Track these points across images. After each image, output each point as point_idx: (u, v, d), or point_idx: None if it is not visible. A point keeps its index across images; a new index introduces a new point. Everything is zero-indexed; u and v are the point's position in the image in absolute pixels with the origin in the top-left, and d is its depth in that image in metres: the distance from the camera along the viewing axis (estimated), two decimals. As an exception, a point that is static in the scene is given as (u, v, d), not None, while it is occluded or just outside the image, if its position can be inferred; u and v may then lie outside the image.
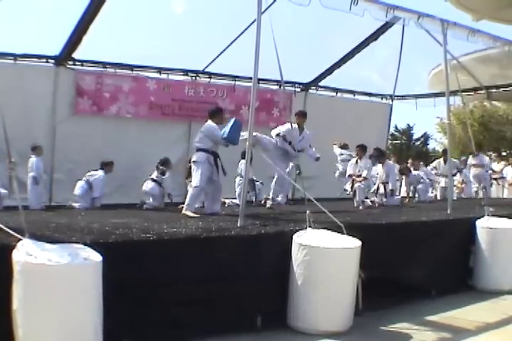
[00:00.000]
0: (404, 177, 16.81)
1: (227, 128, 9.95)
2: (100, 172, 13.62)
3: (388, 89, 20.38)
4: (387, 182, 14.25)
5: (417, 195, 16.91)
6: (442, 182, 17.67)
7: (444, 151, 19.38)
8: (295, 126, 11.52)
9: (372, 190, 14.75)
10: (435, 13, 10.94)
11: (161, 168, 13.99)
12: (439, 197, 17.96)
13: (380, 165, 14.49)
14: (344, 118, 18.59)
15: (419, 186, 16.64)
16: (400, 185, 18.45)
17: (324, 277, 6.81)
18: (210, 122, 10.25)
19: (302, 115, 12.08)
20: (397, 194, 15.34)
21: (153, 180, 13.95)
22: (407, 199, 15.81)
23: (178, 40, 14.25)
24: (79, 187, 13.62)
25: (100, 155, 14.02)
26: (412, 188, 17.01)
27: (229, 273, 6.72)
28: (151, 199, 13.79)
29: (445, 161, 17.52)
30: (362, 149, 13.77)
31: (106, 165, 13.76)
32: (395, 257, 8.34)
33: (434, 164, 18.38)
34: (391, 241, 8.42)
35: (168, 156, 14.47)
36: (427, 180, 16.75)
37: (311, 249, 6.83)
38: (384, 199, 14.26)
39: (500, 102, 35.80)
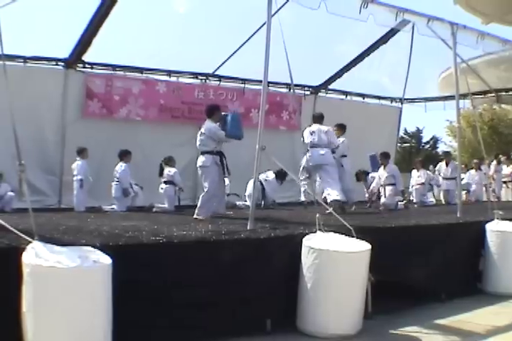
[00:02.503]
0: (414, 170, 16.97)
1: (227, 125, 10.02)
2: (122, 164, 13.74)
3: (398, 92, 20.39)
4: (388, 185, 14.31)
5: (412, 197, 16.98)
6: (444, 184, 17.58)
7: (446, 154, 19.38)
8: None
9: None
10: (443, 16, 10.98)
11: (165, 167, 14.00)
12: (443, 201, 17.87)
13: (381, 168, 14.53)
14: (354, 121, 18.41)
15: (417, 187, 16.66)
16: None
17: (334, 280, 6.80)
18: (209, 122, 10.29)
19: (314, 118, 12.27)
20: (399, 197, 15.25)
21: (165, 182, 13.98)
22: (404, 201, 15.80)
23: (188, 43, 14.28)
24: (114, 188, 13.81)
25: (110, 158, 14.05)
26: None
27: (238, 276, 6.71)
28: (165, 202, 13.81)
29: (447, 164, 17.48)
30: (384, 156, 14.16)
31: (124, 155, 13.85)
32: (404, 260, 8.32)
33: (437, 167, 18.35)
34: (401, 245, 8.40)
35: (178, 159, 14.50)
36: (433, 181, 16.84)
37: (321, 252, 6.82)
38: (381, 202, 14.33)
39: (510, 105, 35.75)
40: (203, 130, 10.30)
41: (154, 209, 13.41)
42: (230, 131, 10.08)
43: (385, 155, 14.80)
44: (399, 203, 14.57)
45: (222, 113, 10.82)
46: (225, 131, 10.13)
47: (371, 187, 15.03)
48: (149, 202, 13.96)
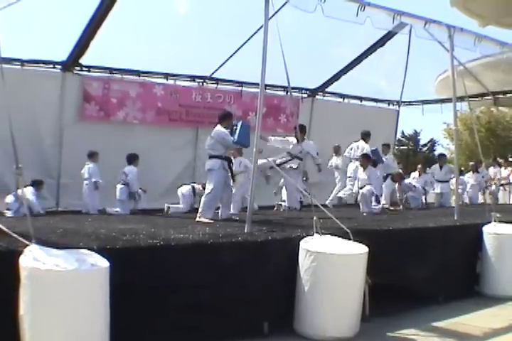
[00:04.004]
0: (396, 184, 16.61)
1: (236, 132, 10.06)
2: (133, 168, 13.88)
3: (395, 95, 20.35)
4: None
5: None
6: (438, 188, 17.52)
7: (440, 156, 19.32)
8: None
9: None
10: (440, 19, 10.99)
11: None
12: (435, 204, 17.76)
13: (361, 170, 13.88)
14: (351, 124, 18.48)
15: (409, 193, 16.54)
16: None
17: (331, 283, 6.80)
18: (219, 127, 10.32)
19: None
20: (378, 202, 14.91)
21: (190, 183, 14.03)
22: (399, 206, 15.65)
23: (185, 45, 14.24)
24: (119, 191, 13.91)
25: (107, 161, 14.04)
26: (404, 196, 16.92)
27: (236, 278, 6.72)
28: (180, 202, 13.73)
29: (441, 167, 17.47)
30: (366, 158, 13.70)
31: (134, 159, 14.00)
32: (401, 263, 8.33)
33: (430, 170, 18.27)
34: (398, 247, 8.41)
35: (176, 162, 14.49)
36: (420, 188, 16.66)
37: (318, 255, 6.82)
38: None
39: (507, 108, 35.80)
40: (212, 134, 10.33)
41: (170, 211, 13.31)
42: (239, 138, 10.12)
43: (366, 157, 14.03)
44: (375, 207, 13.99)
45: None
46: (233, 138, 10.17)
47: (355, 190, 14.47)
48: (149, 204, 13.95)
